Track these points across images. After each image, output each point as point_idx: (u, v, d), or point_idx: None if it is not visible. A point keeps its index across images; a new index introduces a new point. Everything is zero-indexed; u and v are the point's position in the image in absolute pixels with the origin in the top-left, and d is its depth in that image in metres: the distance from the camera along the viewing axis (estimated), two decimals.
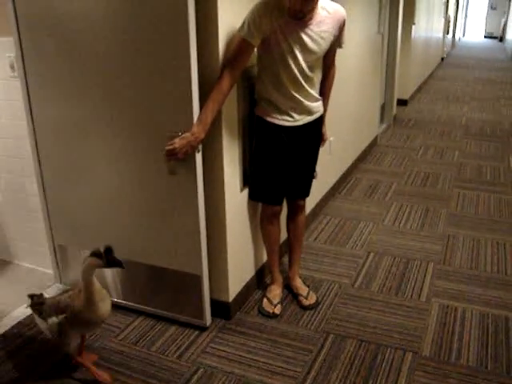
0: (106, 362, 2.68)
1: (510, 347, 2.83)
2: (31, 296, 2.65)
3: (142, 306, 3.07)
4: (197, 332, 2.92)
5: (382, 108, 7.45)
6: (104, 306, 2.42)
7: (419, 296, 3.29)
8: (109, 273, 3.09)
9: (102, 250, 2.31)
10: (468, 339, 2.89)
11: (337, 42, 2.77)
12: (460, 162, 6.10)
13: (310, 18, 2.55)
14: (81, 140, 2.86)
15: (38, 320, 2.58)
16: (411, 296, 3.28)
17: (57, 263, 3.32)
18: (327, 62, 2.86)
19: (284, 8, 2.49)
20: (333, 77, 3.01)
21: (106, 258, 2.31)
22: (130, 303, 3.10)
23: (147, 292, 3.05)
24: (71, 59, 2.69)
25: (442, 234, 4.18)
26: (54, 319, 2.45)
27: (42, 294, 2.67)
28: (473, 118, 8.46)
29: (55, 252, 3.28)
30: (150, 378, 2.57)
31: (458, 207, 4.74)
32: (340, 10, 2.69)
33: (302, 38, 2.57)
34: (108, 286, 3.10)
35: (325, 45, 2.68)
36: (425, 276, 3.53)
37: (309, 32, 2.58)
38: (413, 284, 3.42)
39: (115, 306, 3.01)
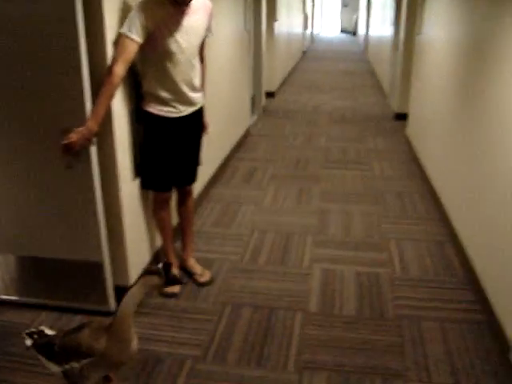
0: (19, 363, 2.70)
1: (381, 296, 3.29)
2: (30, 334, 2.33)
3: (46, 301, 3.14)
4: (103, 318, 3.06)
5: (252, 100, 7.84)
6: (135, 342, 2.23)
7: (302, 263, 3.68)
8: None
9: (160, 266, 2.19)
10: (347, 294, 3.32)
11: (207, 30, 3.11)
12: (326, 145, 6.64)
13: (188, 8, 2.85)
14: None
15: (49, 364, 2.26)
16: (295, 264, 3.66)
17: None
18: (201, 51, 3.16)
19: (164, 1, 2.77)
20: (205, 67, 3.32)
21: (166, 275, 2.20)
22: (33, 299, 3.16)
23: (51, 286, 3.14)
24: None
25: (316, 209, 4.61)
26: (74, 364, 2.16)
27: (42, 331, 2.36)
28: (335, 105, 9.13)
29: None
30: None
31: (327, 185, 5.22)
32: (207, 1, 3.07)
33: (184, 27, 2.86)
34: (6, 284, 3.15)
35: (202, 32, 3.04)
36: (305, 246, 3.92)
37: (189, 20, 2.89)
38: (295, 254, 3.80)
39: (17, 305, 3.08)
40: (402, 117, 7.51)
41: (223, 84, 5.40)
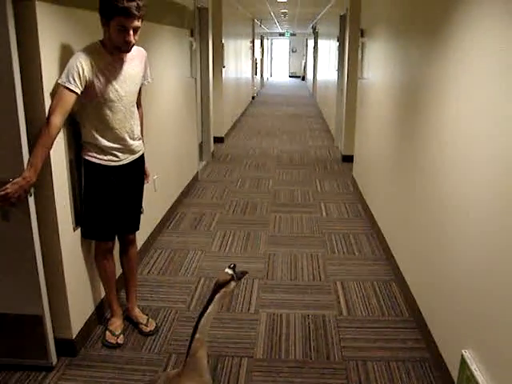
0: None
1: (327, 338, 3.30)
2: None
3: None
4: (44, 373, 2.95)
5: (201, 146, 7.89)
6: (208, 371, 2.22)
7: (248, 309, 3.66)
8: None
9: (229, 271, 2.14)
10: (294, 338, 3.31)
11: (144, 77, 3.16)
12: (274, 189, 6.71)
13: (125, 56, 2.89)
14: None
15: None
16: (241, 310, 3.64)
17: None
18: (138, 98, 3.18)
19: (102, 51, 2.79)
20: (142, 115, 3.33)
21: (236, 274, 2.15)
22: None
23: None
24: None
25: (263, 253, 4.63)
26: None
27: None
28: (283, 149, 9.28)
29: None
30: None
31: (275, 229, 5.25)
32: (141, 49, 3.13)
33: (122, 75, 2.90)
34: None
35: (139, 79, 3.09)
36: (252, 291, 3.91)
37: (126, 68, 2.93)
38: (242, 300, 3.78)
39: None
40: (349, 159, 7.68)
41: (170, 131, 5.43)
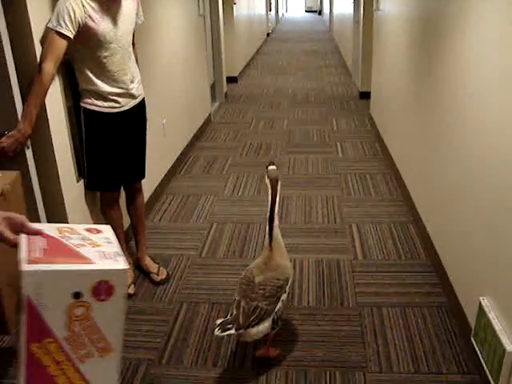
0: None
1: (341, 284, 3.23)
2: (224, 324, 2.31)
3: None
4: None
5: (213, 87, 7.70)
6: None
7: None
8: None
9: (274, 167, 2.60)
10: (307, 284, 3.24)
11: (137, 15, 2.98)
12: (289, 129, 6.54)
13: None
14: None
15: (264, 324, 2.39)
16: (253, 256, 3.57)
17: None
18: (132, 39, 3.02)
19: None
20: (137, 56, 3.15)
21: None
22: None
23: None
24: None
25: None
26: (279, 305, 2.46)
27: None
28: (298, 87, 9.03)
29: None
30: None
31: (289, 171, 5.13)
32: None
33: (117, 14, 2.73)
34: None
35: (134, 18, 2.92)
36: (264, 236, 3.81)
37: (120, 7, 2.76)
38: (254, 245, 3.71)
39: None
40: (366, 95, 7.43)
41: (178, 73, 5.26)
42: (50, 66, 2.51)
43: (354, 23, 8.83)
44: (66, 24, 2.52)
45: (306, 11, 30.28)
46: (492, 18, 2.45)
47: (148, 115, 3.20)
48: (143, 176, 3.26)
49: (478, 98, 2.61)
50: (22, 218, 1.18)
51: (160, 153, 4.47)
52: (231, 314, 2.38)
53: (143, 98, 3.09)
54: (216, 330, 2.28)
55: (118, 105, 2.89)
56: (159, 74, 4.43)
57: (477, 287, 2.56)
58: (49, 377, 1.10)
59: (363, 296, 3.10)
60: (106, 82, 2.80)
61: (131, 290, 3.21)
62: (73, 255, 1.11)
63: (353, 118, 6.93)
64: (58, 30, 2.52)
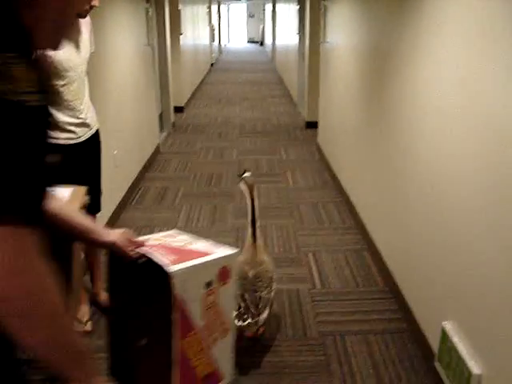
0: None
1: (303, 314, 3.21)
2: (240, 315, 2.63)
3: None
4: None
5: (161, 117, 7.64)
6: None
7: None
8: None
9: (248, 174, 2.89)
10: (268, 316, 3.19)
11: (90, 44, 2.95)
12: (239, 159, 6.55)
13: (76, 23, 2.66)
14: None
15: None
16: None
17: None
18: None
19: None
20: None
21: None
22: None
23: None
24: None
25: (231, 227, 4.49)
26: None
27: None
28: (245, 117, 9.09)
29: None
30: None
31: (242, 200, 5.09)
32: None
33: (75, 42, 2.70)
34: None
35: (89, 46, 2.88)
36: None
37: (78, 36, 2.73)
38: None
39: None
40: (313, 125, 7.55)
41: (128, 102, 5.19)
42: None
43: (299, 54, 8.99)
44: None
45: (248, 42, 30.74)
46: (440, 49, 2.53)
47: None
48: (99, 210, 3.17)
49: (425, 127, 2.68)
50: (130, 232, 1.34)
51: (111, 184, 4.37)
52: (239, 307, 2.63)
53: (98, 128, 3.03)
54: (236, 321, 2.54)
55: (75, 136, 2.82)
56: (110, 103, 4.36)
57: (438, 312, 2.59)
58: (191, 369, 1.24)
59: (325, 325, 3.09)
60: (62, 112, 2.73)
61: (88, 328, 3.08)
62: (192, 252, 1.26)
63: (300, 148, 7.00)
64: None
